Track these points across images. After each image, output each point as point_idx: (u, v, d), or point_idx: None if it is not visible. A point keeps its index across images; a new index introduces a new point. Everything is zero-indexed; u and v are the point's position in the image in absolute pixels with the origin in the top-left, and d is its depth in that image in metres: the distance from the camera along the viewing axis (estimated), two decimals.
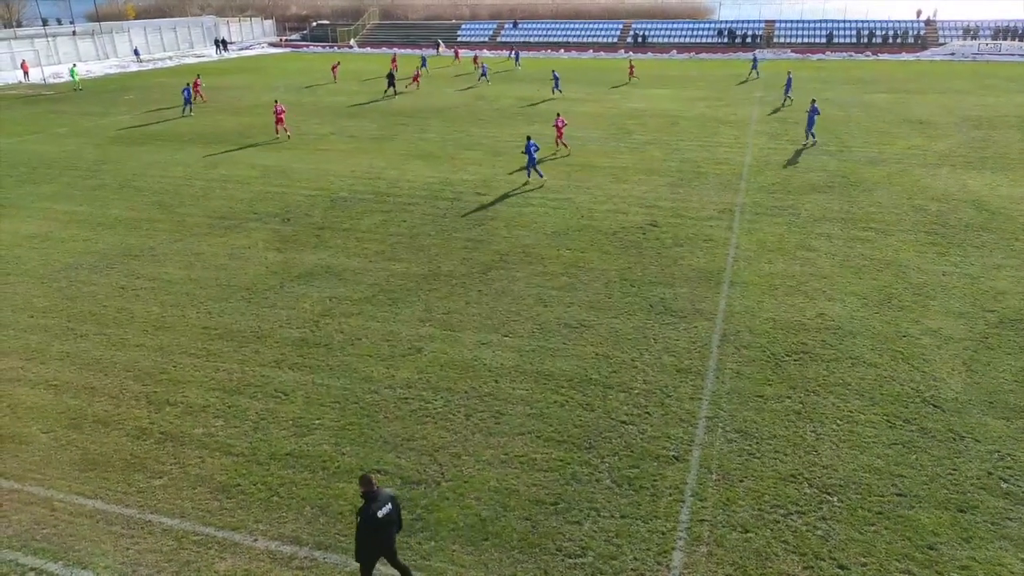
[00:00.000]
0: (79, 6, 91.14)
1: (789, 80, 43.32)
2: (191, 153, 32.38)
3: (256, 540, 9.75)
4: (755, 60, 56.25)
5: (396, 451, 11.54)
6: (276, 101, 36.27)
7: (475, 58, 65.00)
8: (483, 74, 53.76)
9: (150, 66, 68.86)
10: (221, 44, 79.94)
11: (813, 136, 31.64)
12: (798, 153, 30.42)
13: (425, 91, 50.04)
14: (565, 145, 30.83)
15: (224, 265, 19.30)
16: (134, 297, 17.42)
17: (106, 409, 12.80)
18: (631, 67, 55.11)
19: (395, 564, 8.68)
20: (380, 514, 8.17)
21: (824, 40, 72.94)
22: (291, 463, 11.29)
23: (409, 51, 79.28)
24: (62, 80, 57.97)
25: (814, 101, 31.61)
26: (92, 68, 65.90)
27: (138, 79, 60.05)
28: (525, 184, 26.25)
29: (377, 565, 8.54)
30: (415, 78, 52.04)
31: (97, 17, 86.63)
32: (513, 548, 9.57)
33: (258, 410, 12.72)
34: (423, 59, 59.31)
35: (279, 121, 34.78)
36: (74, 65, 58.44)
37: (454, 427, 12.16)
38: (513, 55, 67.26)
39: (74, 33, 71.38)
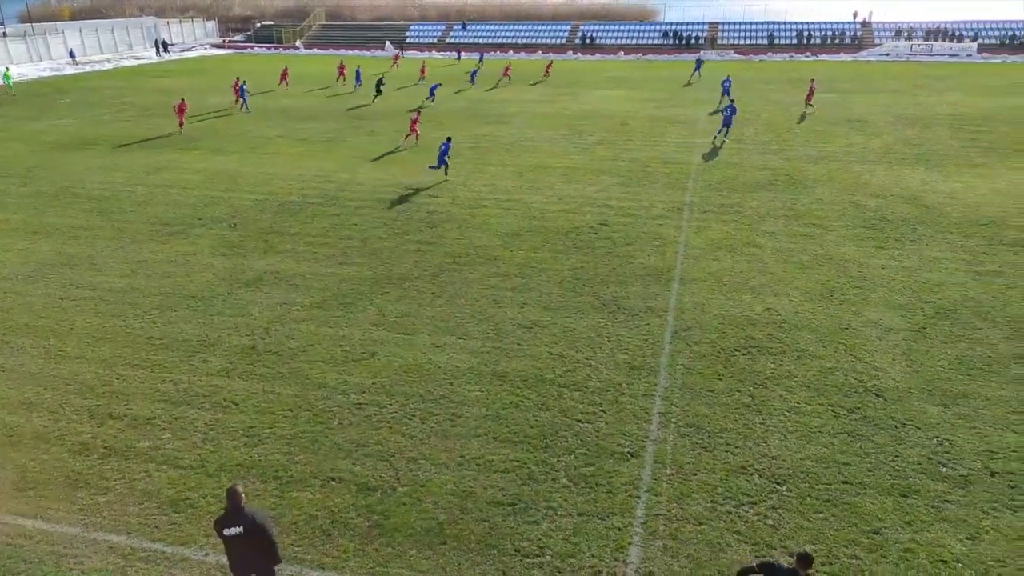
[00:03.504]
0: (10, 7, 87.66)
1: (727, 82, 43.99)
2: (132, 158, 31.45)
3: (207, 555, 9.51)
4: (699, 63, 55.80)
5: (351, 458, 11.41)
6: (182, 99, 37.52)
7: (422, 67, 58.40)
8: (431, 94, 45.09)
9: (87, 68, 66.66)
10: (162, 46, 77.86)
11: (725, 137, 32.41)
12: (740, 152, 31.11)
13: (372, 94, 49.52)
14: (405, 138, 33.68)
15: (168, 273, 18.80)
16: (74, 308, 16.84)
17: (45, 425, 12.33)
18: (548, 66, 58.56)
19: None
20: (226, 533, 7.82)
21: (766, 41, 74.73)
22: (242, 474, 11.05)
23: (356, 52, 78.49)
24: None
25: (732, 101, 32.66)
26: (24, 71, 63.43)
27: (74, 82, 58.04)
28: (444, 181, 26.44)
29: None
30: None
31: (29, 18, 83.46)
32: (471, 551, 9.56)
33: (207, 421, 12.42)
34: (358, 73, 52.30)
35: (181, 114, 36.30)
36: (7, 69, 55.23)
37: (409, 431, 12.07)
38: (468, 56, 67.24)
39: (4, 34, 68.61)
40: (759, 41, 75.03)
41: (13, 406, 12.89)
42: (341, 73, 54.06)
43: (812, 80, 42.30)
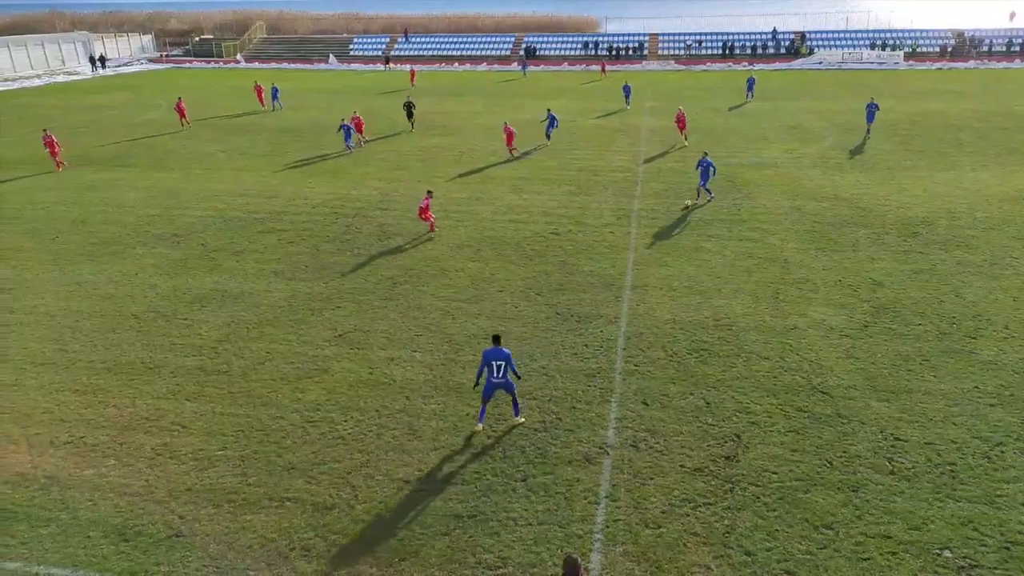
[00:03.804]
0: None
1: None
2: (65, 177, 30.39)
3: None
4: (627, 91, 47.10)
5: (306, 477, 11.19)
6: (45, 130, 32.54)
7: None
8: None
9: (15, 86, 64.26)
10: (99, 61, 75.57)
11: (709, 192, 25.53)
12: (681, 160, 31.73)
13: (318, 106, 49.01)
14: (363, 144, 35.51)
15: (109, 294, 18.19)
16: (8, 333, 16.14)
17: None
18: (412, 73, 62.27)
19: None
20: None
21: (714, 51, 76.43)
22: (193, 498, 10.73)
23: (298, 66, 77.62)
24: None
25: (706, 153, 25.50)
26: None
27: (2, 100, 55.86)
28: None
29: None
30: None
31: None
32: (432, 566, 9.46)
33: (154, 445, 12.03)
34: (275, 91, 48.10)
35: (54, 153, 31.14)
36: None
37: (366, 447, 11.91)
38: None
39: None
40: (700, 51, 76.76)
41: None
42: (260, 98, 48.95)
43: (680, 110, 35.58)
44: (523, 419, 12.51)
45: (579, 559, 7.30)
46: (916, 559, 9.39)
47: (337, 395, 13.43)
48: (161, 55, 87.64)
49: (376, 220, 23.85)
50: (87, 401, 13.37)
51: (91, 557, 9.64)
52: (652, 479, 11.04)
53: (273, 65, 78.92)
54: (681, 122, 34.85)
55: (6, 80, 66.93)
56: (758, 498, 10.56)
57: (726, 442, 11.87)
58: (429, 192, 22.47)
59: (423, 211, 21.92)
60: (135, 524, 10.22)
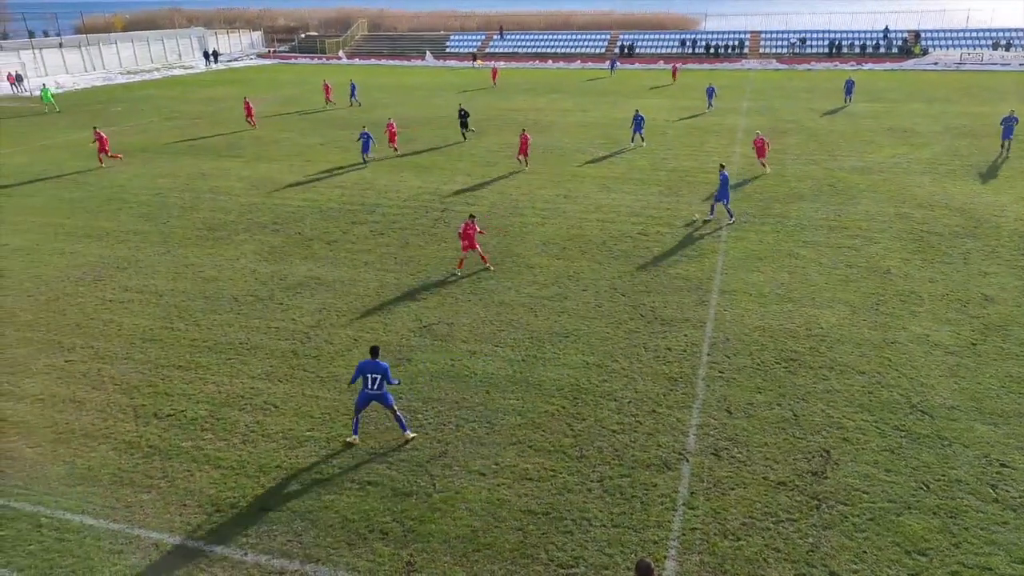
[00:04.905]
0: (66, 19, 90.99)
1: (637, 118, 34.11)
2: (179, 165, 32.27)
3: (246, 554, 9.66)
4: (711, 93, 44.91)
5: (386, 462, 11.48)
6: (95, 128, 33.43)
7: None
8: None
9: (137, 78, 68.68)
10: (212, 56, 79.86)
11: (730, 213, 23.08)
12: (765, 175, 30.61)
13: (412, 102, 50.09)
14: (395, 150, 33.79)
15: (213, 277, 19.21)
16: (122, 309, 17.30)
17: (93, 423, 12.68)
18: (494, 72, 60.62)
19: None
20: None
21: (819, 50, 73.36)
22: (281, 475, 11.21)
23: (396, 63, 79.54)
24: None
25: (723, 167, 22.89)
26: (77, 81, 65.62)
27: (126, 91, 59.85)
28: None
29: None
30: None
31: (84, 29, 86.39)
32: (505, 559, 9.53)
33: (247, 422, 12.63)
34: (352, 87, 49.37)
35: (102, 149, 31.72)
36: (45, 86, 51.80)
37: (444, 437, 12.11)
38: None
39: (60, 45, 71.07)
40: (808, 50, 73.82)
41: (63, 404, 13.28)
42: (328, 96, 48.72)
43: (758, 134, 29.65)
44: (413, 435, 12.04)
45: (653, 564, 7.19)
46: None
47: (419, 385, 13.71)
48: (269, 51, 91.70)
49: (463, 215, 24.13)
50: (188, 377, 14.18)
51: (186, 525, 10.22)
52: (733, 489, 10.74)
53: (372, 61, 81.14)
54: (761, 149, 28.47)
55: (129, 73, 71.67)
56: (846, 517, 10.10)
57: (814, 457, 11.41)
58: (472, 216, 19.09)
59: (470, 239, 18.51)
60: (227, 496, 10.77)
